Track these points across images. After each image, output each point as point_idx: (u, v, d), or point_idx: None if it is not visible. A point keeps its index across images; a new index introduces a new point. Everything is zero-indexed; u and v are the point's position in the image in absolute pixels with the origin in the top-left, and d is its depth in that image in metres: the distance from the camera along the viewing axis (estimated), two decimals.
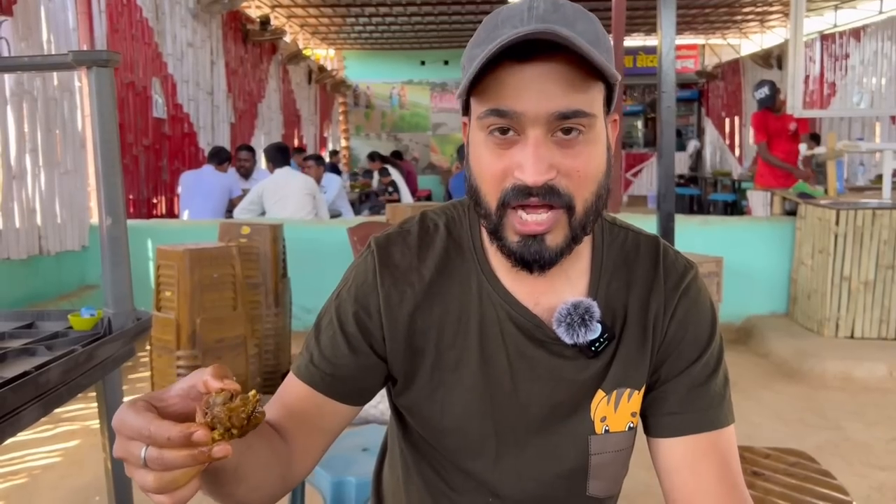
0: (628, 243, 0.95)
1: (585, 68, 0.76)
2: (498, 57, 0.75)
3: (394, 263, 0.91)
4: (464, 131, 0.88)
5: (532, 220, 0.79)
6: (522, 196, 0.78)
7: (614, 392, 0.91)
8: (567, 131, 0.78)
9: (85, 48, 4.83)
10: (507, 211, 0.80)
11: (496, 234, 0.83)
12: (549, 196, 0.78)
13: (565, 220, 0.80)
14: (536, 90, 0.76)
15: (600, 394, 0.91)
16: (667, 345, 0.92)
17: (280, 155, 5.35)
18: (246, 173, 6.15)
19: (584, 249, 0.92)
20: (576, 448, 0.92)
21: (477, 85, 0.78)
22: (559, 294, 0.90)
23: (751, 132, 12.45)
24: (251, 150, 6.38)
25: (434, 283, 0.91)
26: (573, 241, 0.82)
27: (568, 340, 0.87)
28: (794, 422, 3.32)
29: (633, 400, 0.92)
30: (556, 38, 0.73)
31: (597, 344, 0.88)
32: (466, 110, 0.85)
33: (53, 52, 4.31)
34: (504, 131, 0.78)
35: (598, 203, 0.83)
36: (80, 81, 4.63)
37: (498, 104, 0.77)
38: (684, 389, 0.90)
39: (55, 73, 4.30)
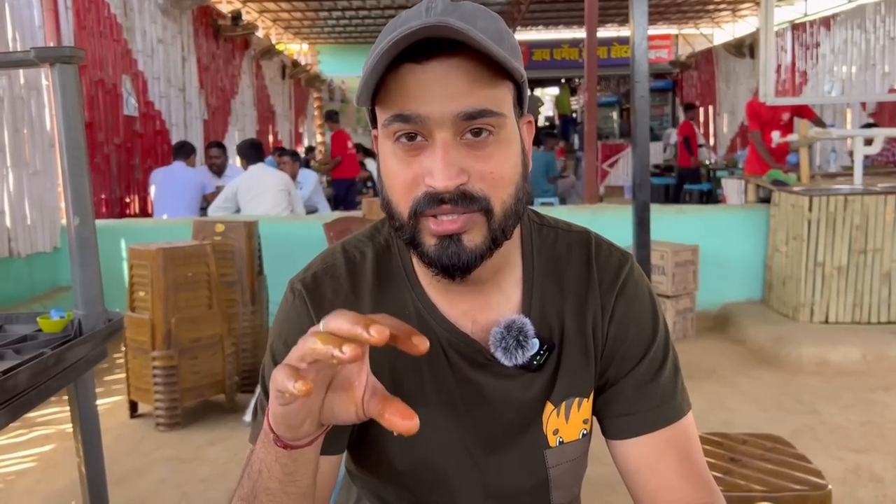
0: (558, 245, 0.92)
1: (489, 66, 0.73)
2: (398, 60, 0.72)
3: (329, 303, 0.85)
4: (375, 144, 0.82)
5: (447, 219, 0.75)
6: (434, 203, 0.75)
7: (563, 403, 0.89)
8: (476, 132, 0.75)
9: (52, 45, 4.74)
10: (420, 219, 0.76)
11: (413, 243, 0.79)
12: (462, 202, 0.75)
13: (483, 221, 0.76)
14: (439, 91, 0.72)
15: (549, 407, 0.89)
16: (609, 348, 0.90)
17: (254, 151, 5.30)
18: (218, 171, 6.06)
19: (515, 258, 0.89)
20: (534, 464, 0.91)
21: (379, 92, 0.75)
22: (495, 309, 0.88)
23: (724, 120, 12.61)
24: (222, 146, 6.28)
25: None
26: (493, 243, 0.78)
27: (507, 363, 0.86)
28: (771, 407, 3.35)
29: (583, 408, 0.91)
30: (451, 32, 0.69)
31: (537, 358, 0.86)
32: (374, 122, 0.81)
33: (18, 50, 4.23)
34: (411, 137, 0.75)
35: (518, 205, 0.79)
36: (47, 79, 4.54)
37: (401, 109, 0.73)
38: (633, 389, 0.89)
39: (21, 72, 4.22)
